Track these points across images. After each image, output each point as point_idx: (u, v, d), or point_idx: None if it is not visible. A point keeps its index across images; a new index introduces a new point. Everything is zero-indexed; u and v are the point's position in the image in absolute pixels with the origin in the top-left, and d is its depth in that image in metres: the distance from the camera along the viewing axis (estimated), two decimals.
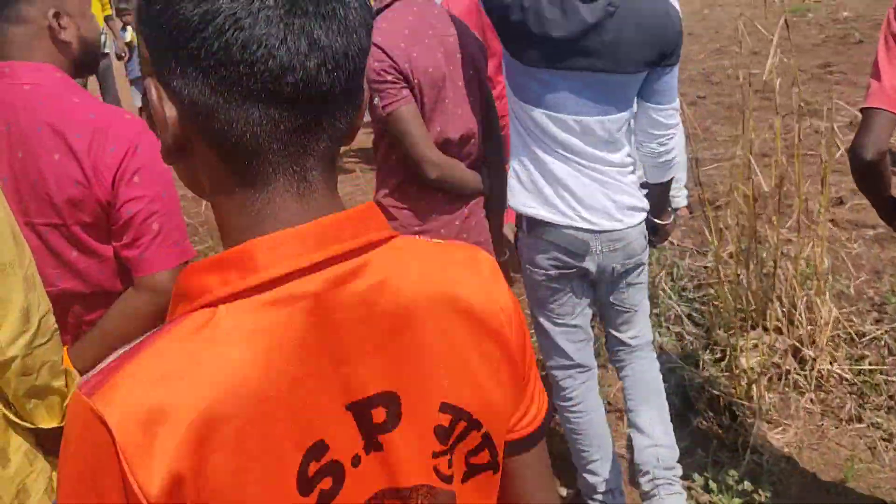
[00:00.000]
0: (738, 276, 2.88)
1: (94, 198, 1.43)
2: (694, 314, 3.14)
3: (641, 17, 1.89)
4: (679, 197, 4.06)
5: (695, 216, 4.12)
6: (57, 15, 1.47)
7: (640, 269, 2.20)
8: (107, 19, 6.97)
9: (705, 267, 3.47)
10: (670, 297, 3.18)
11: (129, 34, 7.27)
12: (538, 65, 1.93)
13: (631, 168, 2.11)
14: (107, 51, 6.92)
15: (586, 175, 2.04)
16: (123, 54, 7.42)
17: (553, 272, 2.10)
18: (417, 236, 0.74)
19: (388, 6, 1.97)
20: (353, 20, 0.63)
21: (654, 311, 3.16)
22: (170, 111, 0.63)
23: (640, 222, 2.12)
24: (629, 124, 2.06)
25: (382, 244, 0.67)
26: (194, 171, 0.67)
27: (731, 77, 7.42)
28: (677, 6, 3.80)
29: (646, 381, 2.29)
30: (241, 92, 0.60)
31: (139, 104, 7.12)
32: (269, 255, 0.61)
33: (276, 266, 0.61)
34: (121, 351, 0.61)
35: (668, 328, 3.10)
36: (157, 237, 1.48)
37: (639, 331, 2.28)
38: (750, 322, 2.89)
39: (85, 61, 1.57)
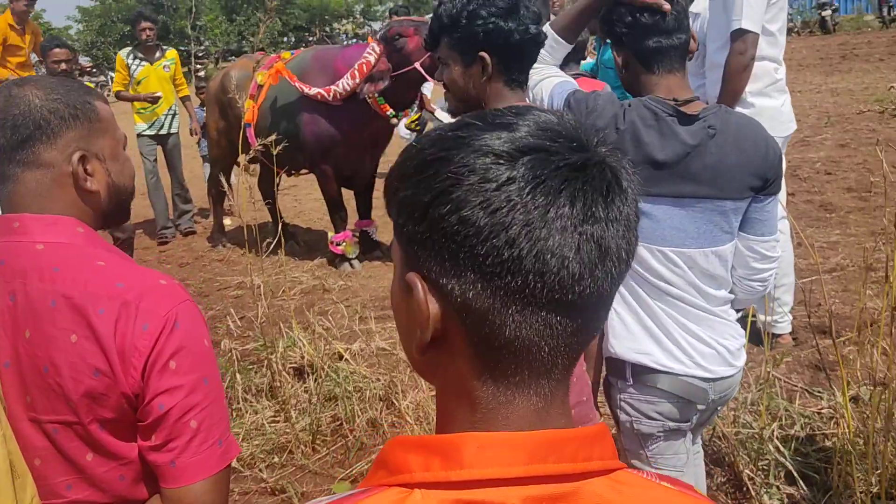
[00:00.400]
0: (873, 443, 2.43)
1: (119, 390, 1.15)
2: (809, 472, 2.69)
3: (740, 139, 1.81)
4: (783, 322, 3.65)
5: (800, 344, 3.68)
6: (83, 159, 1.22)
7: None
8: (183, 100, 7.02)
9: (819, 412, 3.01)
10: (779, 450, 2.74)
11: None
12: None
13: (730, 304, 1.97)
14: (174, 131, 6.92)
15: (692, 315, 1.87)
16: (196, 133, 7.43)
17: (671, 424, 1.90)
18: (644, 474, 0.68)
19: None
20: (632, 217, 0.64)
21: (762, 464, 2.73)
22: (433, 308, 0.63)
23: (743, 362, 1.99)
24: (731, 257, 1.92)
25: (603, 475, 0.63)
26: (437, 362, 0.67)
27: (820, 172, 6.99)
28: (787, 115, 3.52)
29: (699, 487, 2.13)
30: (523, 299, 0.60)
31: (207, 180, 7.08)
32: (476, 455, 0.60)
33: (481, 468, 0.60)
34: (325, 500, 0.64)
35: (777, 487, 2.66)
36: (195, 439, 1.17)
37: (701, 436, 2.19)
38: (882, 489, 2.43)
39: (115, 212, 1.31)
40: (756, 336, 3.31)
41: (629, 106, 1.83)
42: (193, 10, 30.71)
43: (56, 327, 1.14)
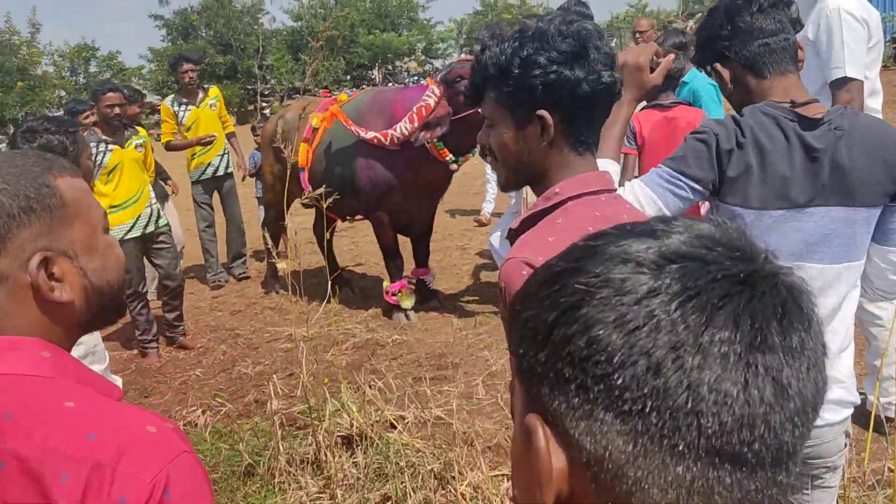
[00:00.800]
0: None
1: None
2: None
3: (870, 141, 1.69)
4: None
5: None
6: (45, 262, 0.93)
7: (833, 472, 1.81)
8: (229, 137, 6.80)
9: None
10: None
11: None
12: (764, 205, 1.70)
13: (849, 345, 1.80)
14: (229, 171, 6.76)
15: None
16: (242, 170, 7.20)
17: None
18: None
19: (556, 206, 1.32)
20: (819, 353, 0.52)
21: None
22: (558, 461, 0.52)
23: (844, 420, 1.77)
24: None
25: None
26: None
27: None
28: None
29: None
30: (672, 447, 0.48)
31: (261, 224, 6.92)
32: None
33: None
34: None
35: None
36: None
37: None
38: None
39: (99, 317, 1.02)
40: (865, 421, 2.85)
41: (742, 116, 1.73)
42: (261, 49, 31.46)
43: (4, 501, 0.85)
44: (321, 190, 3.24)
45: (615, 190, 1.38)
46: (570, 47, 1.26)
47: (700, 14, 33.78)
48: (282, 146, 3.79)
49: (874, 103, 3.10)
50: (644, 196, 1.73)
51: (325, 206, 3.47)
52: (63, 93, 26.97)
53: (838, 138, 1.67)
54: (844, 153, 1.67)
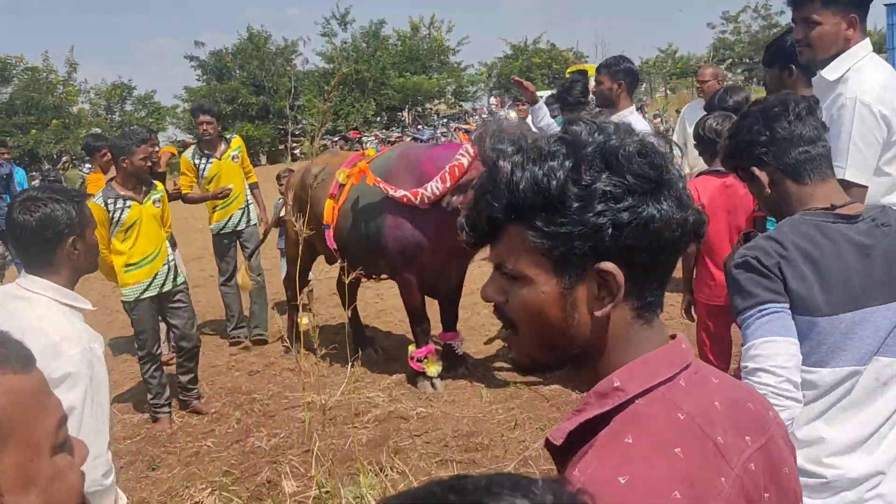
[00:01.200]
0: None
1: None
2: None
3: None
4: None
5: None
6: None
7: None
8: (251, 187, 6.55)
9: None
10: None
11: (282, 208, 6.86)
12: (834, 311, 1.66)
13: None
14: (253, 223, 6.51)
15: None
16: (264, 224, 6.82)
17: None
18: None
19: (618, 409, 0.90)
20: None
21: None
22: None
23: None
24: None
25: None
26: None
27: None
28: None
29: None
30: None
31: (283, 279, 6.66)
32: None
33: None
34: None
35: None
36: None
37: None
38: None
39: None
40: None
41: (778, 231, 1.72)
42: (293, 90, 31.76)
43: None
44: (339, 264, 2.97)
45: (691, 362, 0.95)
46: (650, 172, 0.89)
47: (731, 59, 33.57)
48: (293, 218, 3.54)
49: (894, 199, 2.69)
50: (764, 354, 1.63)
51: (347, 281, 3.20)
52: (98, 131, 27.32)
53: (886, 234, 1.69)
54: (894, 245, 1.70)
